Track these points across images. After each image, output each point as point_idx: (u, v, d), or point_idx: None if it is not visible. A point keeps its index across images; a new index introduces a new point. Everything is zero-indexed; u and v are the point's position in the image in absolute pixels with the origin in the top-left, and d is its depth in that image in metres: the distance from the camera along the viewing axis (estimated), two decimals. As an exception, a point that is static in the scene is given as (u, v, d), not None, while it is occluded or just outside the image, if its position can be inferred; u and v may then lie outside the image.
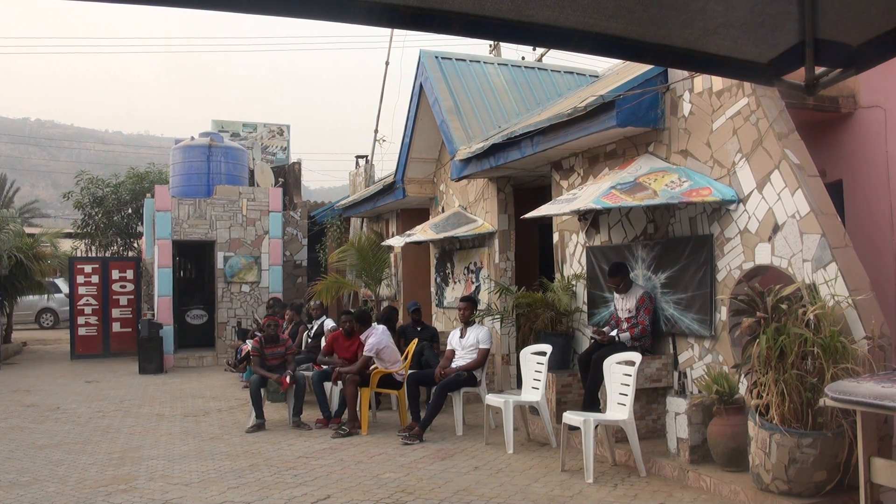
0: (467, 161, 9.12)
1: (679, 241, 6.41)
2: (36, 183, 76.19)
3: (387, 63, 17.00)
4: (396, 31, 15.31)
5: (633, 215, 7.04)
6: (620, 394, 5.88)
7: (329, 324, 9.87)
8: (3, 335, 16.33)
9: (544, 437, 6.95)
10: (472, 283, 10.16)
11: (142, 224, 18.81)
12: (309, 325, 10.43)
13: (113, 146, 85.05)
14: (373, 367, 7.81)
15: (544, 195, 8.79)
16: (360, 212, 14.58)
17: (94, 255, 20.65)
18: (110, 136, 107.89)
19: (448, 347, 7.91)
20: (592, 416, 5.77)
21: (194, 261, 16.75)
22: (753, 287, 5.27)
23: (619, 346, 6.35)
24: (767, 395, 4.81)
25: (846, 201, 6.49)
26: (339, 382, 7.80)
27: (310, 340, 10.08)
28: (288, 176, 19.20)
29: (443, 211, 11.22)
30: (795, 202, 5.27)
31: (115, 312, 15.84)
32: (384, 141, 16.68)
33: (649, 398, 6.39)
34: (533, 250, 11.08)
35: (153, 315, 14.62)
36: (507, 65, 11.24)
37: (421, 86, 10.61)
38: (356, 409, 7.60)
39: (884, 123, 6.22)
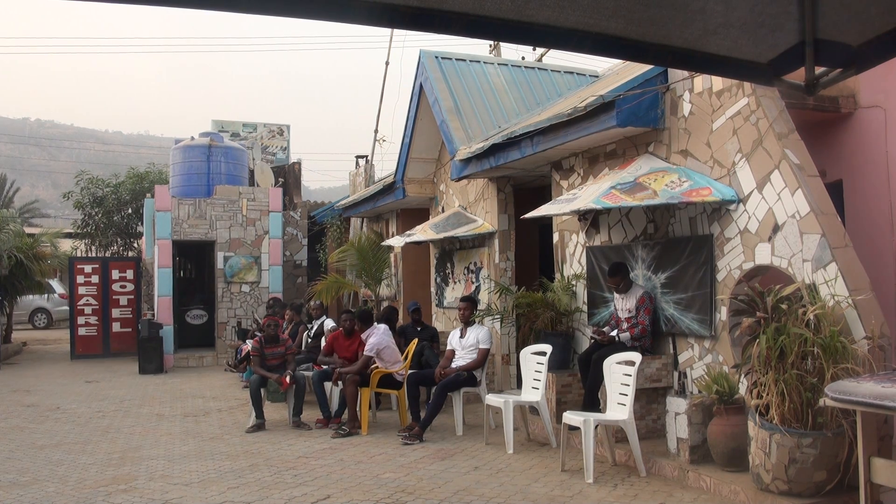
0: (467, 161, 9.13)
1: (679, 241, 6.41)
2: (36, 183, 76.18)
3: (387, 63, 17.01)
4: (396, 31, 15.31)
5: (633, 215, 7.04)
6: (620, 394, 5.88)
7: (329, 324, 9.87)
8: (3, 335, 16.33)
9: (544, 437, 6.95)
10: (472, 283, 10.16)
11: (142, 224, 18.81)
12: (309, 325, 10.43)
13: (113, 146, 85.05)
14: (373, 366, 7.81)
15: (544, 195, 8.79)
16: (360, 212, 14.58)
17: (94, 255, 20.66)
18: (110, 136, 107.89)
19: (448, 347, 7.91)
20: (592, 416, 5.77)
21: (194, 261, 16.75)
22: (753, 287, 5.27)
23: (619, 346, 6.34)
24: (767, 395, 4.81)
25: (846, 201, 6.49)
26: (339, 383, 7.79)
27: (310, 340, 10.09)
28: (288, 176, 19.20)
29: (443, 211, 11.22)
30: (795, 202, 5.27)
31: (115, 312, 15.84)
32: (384, 141, 16.69)
33: (649, 398, 6.39)
34: (533, 250, 11.08)
35: (153, 315, 14.62)
36: (507, 65, 11.24)
37: (421, 86, 10.61)
38: (356, 409, 7.60)
39: (884, 123, 6.22)
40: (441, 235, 9.92)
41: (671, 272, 6.44)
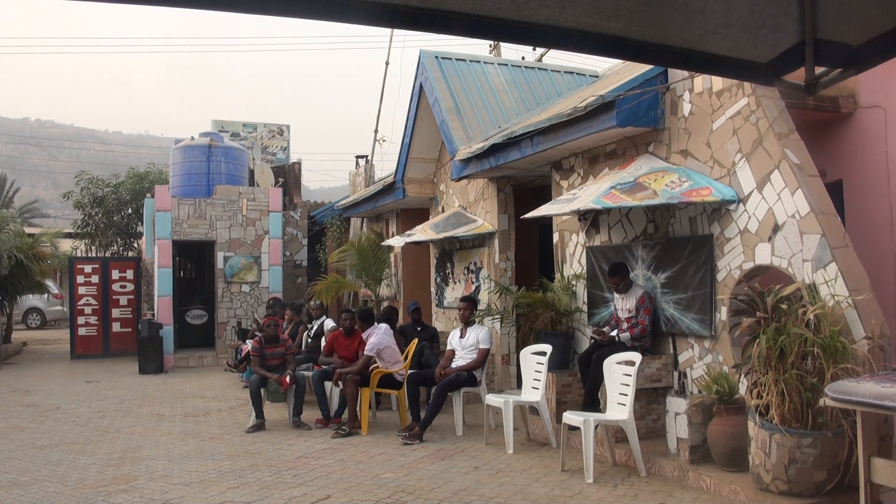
0: (467, 161, 9.13)
1: (679, 241, 6.41)
2: (36, 183, 76.20)
3: (387, 63, 17.01)
4: (396, 31, 15.31)
5: (633, 215, 7.04)
6: (620, 394, 5.88)
7: (329, 324, 9.87)
8: (3, 335, 16.34)
9: (544, 437, 6.95)
10: (472, 283, 10.16)
11: (142, 224, 18.81)
12: (309, 325, 10.43)
13: (113, 146, 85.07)
14: (373, 366, 7.81)
15: (544, 195, 8.79)
16: (360, 212, 14.58)
17: (94, 255, 20.66)
18: (110, 136, 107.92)
19: (448, 347, 7.91)
20: (592, 416, 5.76)
21: (194, 261, 16.76)
22: (753, 287, 5.27)
23: (619, 346, 6.34)
24: (767, 395, 4.81)
25: (846, 201, 6.49)
26: (339, 383, 7.79)
27: (310, 340, 10.09)
28: (288, 176, 19.20)
29: (443, 211, 11.22)
30: (795, 202, 5.27)
31: (115, 312, 15.85)
32: (384, 141, 16.69)
33: (649, 398, 6.39)
34: (533, 250, 11.08)
35: (153, 315, 14.62)
36: (507, 65, 11.24)
37: (421, 86, 10.61)
38: (356, 409, 7.60)
39: (884, 123, 6.22)
40: (441, 235, 9.92)
41: (671, 272, 6.44)
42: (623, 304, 6.67)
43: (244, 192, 15.07)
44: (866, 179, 6.39)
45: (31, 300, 23.13)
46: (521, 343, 7.94)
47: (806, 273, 5.16)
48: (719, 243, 5.97)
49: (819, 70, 1.92)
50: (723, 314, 5.86)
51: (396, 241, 10.93)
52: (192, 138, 16.20)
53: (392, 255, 13.11)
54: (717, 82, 6.01)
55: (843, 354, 4.65)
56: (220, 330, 14.64)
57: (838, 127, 6.61)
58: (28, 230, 19.97)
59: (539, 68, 11.49)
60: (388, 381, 7.84)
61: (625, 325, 6.57)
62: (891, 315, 5.36)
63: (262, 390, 8.01)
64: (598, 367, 6.20)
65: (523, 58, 13.80)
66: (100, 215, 20.26)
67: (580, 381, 6.85)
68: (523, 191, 9.92)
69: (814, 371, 4.74)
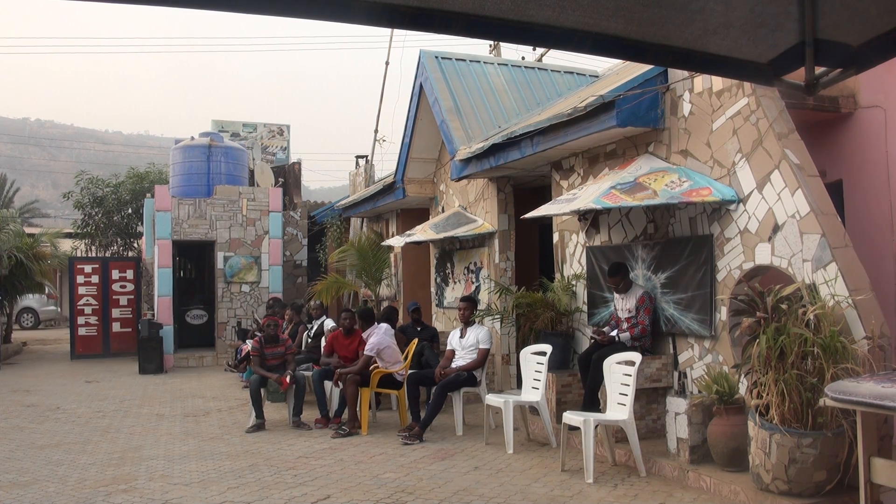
0: (467, 161, 9.13)
1: (679, 241, 6.41)
2: (36, 183, 76.20)
3: (387, 63, 17.01)
4: (396, 31, 15.31)
5: (633, 215, 7.04)
6: (620, 394, 5.88)
7: (329, 324, 9.87)
8: (3, 335, 16.34)
9: (544, 437, 6.95)
10: (472, 283, 10.16)
11: (142, 224, 18.81)
12: (309, 325, 10.44)
13: (113, 146, 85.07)
14: (373, 366, 7.81)
15: (544, 195, 8.79)
16: (360, 212, 14.58)
17: (94, 255, 20.65)
18: (110, 136, 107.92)
19: (448, 347, 7.91)
20: (592, 416, 5.76)
21: (194, 261, 16.76)
22: (753, 287, 5.27)
23: (619, 346, 6.34)
24: (767, 395, 4.81)
25: (846, 201, 6.49)
26: (339, 383, 7.79)
27: (310, 340, 10.09)
28: (288, 176, 19.20)
29: (443, 211, 11.22)
30: (795, 202, 5.27)
31: (115, 312, 15.85)
32: (384, 141, 16.70)
33: (649, 398, 6.39)
34: (533, 250, 11.08)
35: (153, 315, 14.62)
36: (507, 65, 11.24)
37: (421, 86, 10.61)
38: (356, 409, 7.60)
39: (884, 123, 6.22)
40: (441, 235, 9.92)
41: (671, 272, 6.44)
42: (623, 304, 6.67)
43: (244, 192, 15.07)
44: (866, 179, 6.39)
45: (25, 300, 23.11)
46: (521, 343, 7.94)
47: (806, 273, 5.16)
48: (719, 243, 5.97)
49: (819, 70, 1.92)
50: (723, 314, 5.86)
51: (396, 241, 10.93)
52: (192, 138, 16.20)
53: (392, 255, 13.11)
54: (717, 82, 6.01)
55: (843, 354, 4.65)
56: (220, 330, 14.64)
57: (838, 127, 6.61)
58: (28, 230, 19.96)
59: (539, 68, 11.49)
60: (388, 381, 7.84)
61: (625, 325, 6.57)
62: (891, 315, 5.36)
63: (262, 390, 8.01)
64: (598, 367, 6.20)
65: (523, 58, 13.81)
66: (100, 215, 20.26)
67: (580, 381, 6.85)
68: (523, 191, 9.92)
69: (814, 371, 4.74)
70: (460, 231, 9.72)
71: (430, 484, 5.61)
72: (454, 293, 10.67)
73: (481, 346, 7.61)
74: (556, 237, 8.42)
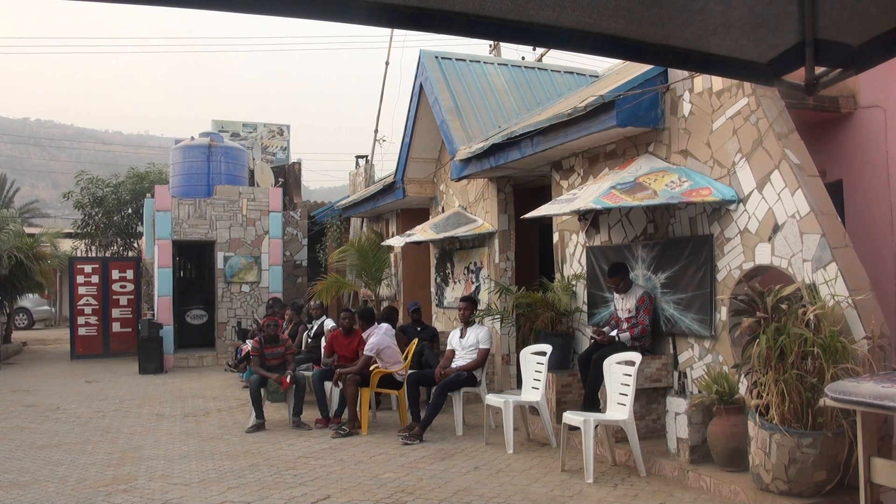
0: (467, 161, 9.13)
1: (679, 241, 6.41)
2: (36, 183, 76.21)
3: (387, 63, 17.01)
4: (396, 31, 15.31)
5: (633, 215, 7.04)
6: (620, 394, 5.88)
7: (329, 324, 9.87)
8: (2, 335, 16.34)
9: (544, 437, 6.95)
10: (472, 283, 10.16)
11: (142, 224, 18.81)
12: (309, 325, 10.44)
13: (113, 146, 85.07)
14: (373, 366, 7.81)
15: (544, 195, 8.78)
16: (360, 212, 14.58)
17: (94, 255, 20.65)
18: (110, 136, 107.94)
19: (448, 347, 7.91)
20: (592, 416, 5.76)
21: (194, 261, 16.76)
22: (753, 287, 5.27)
23: (619, 346, 6.34)
24: (767, 395, 4.81)
25: (846, 201, 6.49)
26: (339, 383, 7.79)
27: (310, 340, 10.09)
28: (288, 176, 19.20)
29: (443, 211, 11.22)
30: (795, 202, 5.27)
31: (115, 312, 15.85)
32: (384, 141, 16.69)
33: (649, 398, 6.39)
34: (533, 250, 11.08)
35: (153, 315, 14.62)
36: (507, 65, 11.24)
37: (421, 86, 10.61)
38: (356, 409, 7.60)
39: (884, 123, 6.22)
40: (441, 235, 9.92)
41: (671, 272, 6.44)
42: (623, 304, 6.67)
43: (244, 192, 15.07)
44: (866, 179, 6.39)
45: (18, 300, 23.08)
46: (521, 343, 7.94)
47: (806, 273, 5.16)
48: (719, 243, 5.97)
49: (819, 70, 1.92)
50: (723, 314, 5.86)
51: (396, 241, 10.92)
52: (192, 138, 16.20)
53: (392, 255, 13.11)
54: (717, 82, 6.01)
55: (843, 354, 4.65)
56: (220, 330, 14.64)
57: (838, 127, 6.61)
58: (28, 230, 19.97)
59: (539, 68, 11.49)
60: (388, 381, 7.84)
61: (625, 325, 6.57)
62: (891, 315, 5.36)
63: (262, 390, 8.01)
64: (598, 367, 6.20)
65: (523, 58, 13.81)
66: (100, 215, 20.25)
67: (580, 381, 6.85)
68: (523, 191, 9.92)
69: (814, 371, 4.74)
70: (460, 231, 9.72)
71: (430, 484, 5.61)
72: (454, 293, 10.67)
73: (481, 346, 7.61)
74: (556, 237, 8.42)
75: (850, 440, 4.49)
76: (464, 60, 10.76)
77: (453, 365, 7.66)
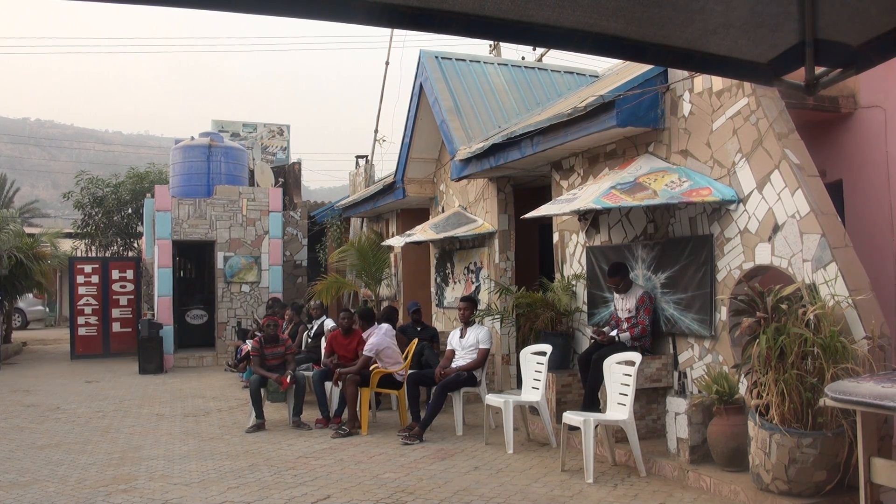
0: (467, 161, 9.13)
1: (679, 241, 6.41)
2: (36, 183, 76.22)
3: (387, 63, 17.01)
4: (396, 31, 15.31)
5: (633, 215, 7.04)
6: (620, 394, 5.88)
7: (329, 324, 9.87)
8: (2, 335, 16.35)
9: (544, 437, 6.95)
10: (472, 283, 10.16)
11: (142, 224, 18.81)
12: (309, 325, 10.44)
13: (113, 146, 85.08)
14: (373, 366, 7.81)
15: (544, 195, 8.78)
16: (360, 212, 14.58)
17: (94, 255, 20.65)
18: (110, 136, 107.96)
19: (448, 347, 7.91)
20: (592, 416, 5.76)
21: (194, 261, 16.75)
22: (753, 287, 5.27)
23: (619, 346, 6.34)
24: (767, 395, 4.81)
25: (846, 201, 6.49)
26: (339, 383, 7.79)
27: (310, 340, 10.09)
28: (288, 176, 19.20)
29: (443, 211, 11.22)
30: (795, 202, 5.27)
31: (115, 312, 15.85)
32: (384, 141, 16.69)
33: (649, 398, 6.39)
34: (533, 250, 11.08)
35: (153, 315, 14.62)
36: (507, 65, 11.24)
37: (421, 86, 10.61)
38: (356, 409, 7.60)
39: (884, 123, 6.22)
40: (441, 235, 9.92)
41: (671, 272, 6.44)
42: (623, 304, 6.66)
43: (244, 192, 15.07)
44: (866, 179, 6.39)
45: (18, 300, 23.06)
46: (521, 343, 7.93)
47: (806, 273, 5.16)
48: (719, 243, 5.97)
49: (819, 70, 1.92)
50: (723, 314, 5.86)
51: (396, 241, 10.93)
52: (192, 138, 16.19)
53: (392, 255, 13.11)
54: (717, 82, 6.01)
55: (843, 354, 4.65)
56: (220, 330, 14.64)
57: (838, 127, 6.61)
58: (28, 230, 19.96)
59: (539, 68, 11.49)
60: (388, 381, 7.84)
61: (625, 325, 6.57)
62: (891, 315, 5.36)
63: (262, 390, 8.01)
64: (598, 367, 6.20)
65: (523, 58, 13.81)
66: (100, 215, 20.26)
67: (580, 381, 6.85)
68: (523, 191, 9.92)
69: (814, 371, 4.74)
70: (460, 231, 9.72)
71: (430, 484, 5.61)
72: (454, 293, 10.67)
73: (481, 346, 7.61)
74: (556, 237, 8.42)
75: (850, 440, 4.50)
76: (464, 60, 10.76)
77: (453, 365, 7.66)
